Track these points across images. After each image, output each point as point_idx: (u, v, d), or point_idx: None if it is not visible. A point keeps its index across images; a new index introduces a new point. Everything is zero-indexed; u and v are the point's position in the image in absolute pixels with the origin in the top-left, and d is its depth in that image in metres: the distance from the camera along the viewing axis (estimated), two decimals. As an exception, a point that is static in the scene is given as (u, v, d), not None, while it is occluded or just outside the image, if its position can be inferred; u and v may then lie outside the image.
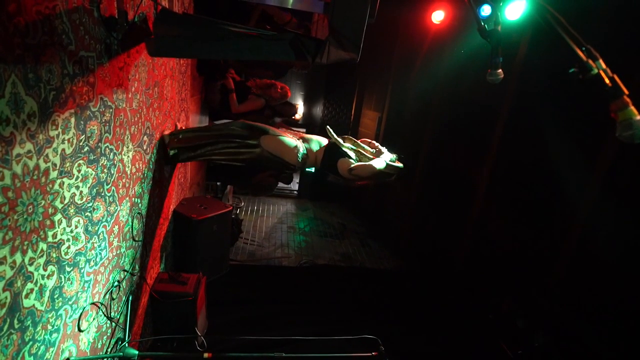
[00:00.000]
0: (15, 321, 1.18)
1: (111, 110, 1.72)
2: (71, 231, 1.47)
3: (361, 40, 1.71)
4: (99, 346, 1.86)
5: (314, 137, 2.69)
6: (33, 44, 1.14)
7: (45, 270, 1.32)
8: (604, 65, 0.98)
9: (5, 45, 1.03)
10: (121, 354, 1.71)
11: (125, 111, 1.89)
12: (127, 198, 2.04)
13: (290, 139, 2.54)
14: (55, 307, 1.41)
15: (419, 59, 4.95)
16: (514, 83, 3.45)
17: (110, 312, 1.92)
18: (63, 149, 1.35)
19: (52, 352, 1.41)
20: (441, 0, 4.34)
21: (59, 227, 1.38)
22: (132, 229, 2.16)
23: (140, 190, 2.25)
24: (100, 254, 1.76)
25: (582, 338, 2.68)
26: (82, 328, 1.64)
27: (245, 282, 3.77)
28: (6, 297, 1.13)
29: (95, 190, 1.64)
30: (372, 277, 4.39)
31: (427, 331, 3.41)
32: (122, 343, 2.01)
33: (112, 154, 1.77)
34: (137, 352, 1.70)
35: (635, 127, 0.93)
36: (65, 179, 1.38)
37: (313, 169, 2.69)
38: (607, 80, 0.97)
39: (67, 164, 1.39)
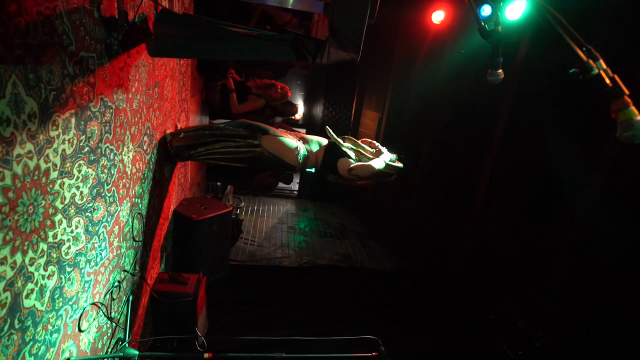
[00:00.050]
0: (16, 321, 1.19)
1: (111, 110, 1.72)
2: (71, 231, 1.47)
3: (361, 40, 1.71)
4: (100, 346, 1.86)
5: (314, 138, 2.69)
6: (33, 44, 1.14)
7: (45, 270, 1.32)
8: (604, 66, 0.98)
9: (5, 45, 1.04)
10: (121, 354, 1.71)
11: (125, 111, 1.89)
12: (128, 198, 2.04)
13: (290, 140, 2.54)
14: (56, 308, 1.41)
15: (419, 59, 4.95)
16: (514, 83, 3.45)
17: (111, 313, 1.92)
18: (63, 150, 1.35)
19: (52, 352, 1.41)
20: (441, 0, 4.34)
21: (59, 228, 1.38)
22: (132, 229, 2.16)
23: (141, 190, 2.25)
24: (100, 254, 1.76)
25: (582, 338, 2.68)
26: (82, 328, 1.64)
27: (246, 282, 3.77)
28: (7, 298, 1.13)
29: (95, 190, 1.64)
30: (372, 277, 4.39)
31: (427, 331, 3.41)
32: (122, 343, 2.01)
33: (112, 154, 1.77)
34: (137, 353, 1.70)
35: (636, 128, 0.93)
36: (65, 180, 1.38)
37: (313, 170, 2.69)
38: (607, 81, 0.97)
39: (68, 165, 1.39)
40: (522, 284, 3.26)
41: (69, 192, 1.42)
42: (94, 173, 1.60)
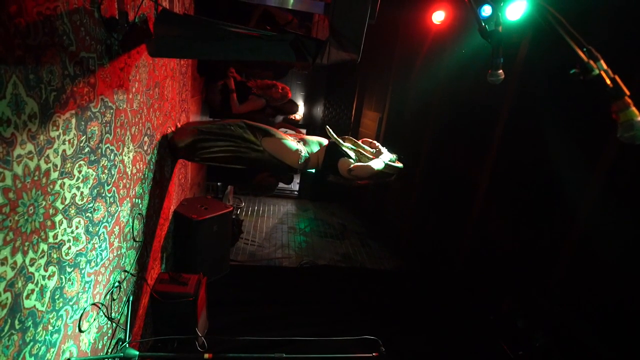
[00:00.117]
0: (16, 322, 1.19)
1: (112, 111, 1.72)
2: (72, 232, 1.47)
3: (362, 40, 1.71)
4: (100, 347, 1.86)
5: (315, 139, 2.69)
6: (34, 45, 1.14)
7: (46, 271, 1.32)
8: (605, 66, 0.98)
9: (6, 46, 1.04)
10: (122, 354, 1.71)
11: (126, 112, 1.89)
12: (128, 199, 2.04)
13: (291, 142, 2.54)
14: (56, 308, 1.41)
15: (419, 59, 4.95)
16: (515, 83, 3.45)
17: (111, 313, 1.92)
18: (64, 150, 1.35)
19: (52, 352, 1.41)
20: (441, 0, 4.34)
21: (59, 228, 1.38)
22: (132, 230, 2.16)
23: (141, 190, 2.25)
24: (101, 254, 1.76)
25: (582, 338, 2.68)
26: (82, 329, 1.64)
27: (246, 282, 3.77)
28: (7, 298, 1.13)
29: (96, 191, 1.64)
30: (373, 277, 4.39)
31: (427, 331, 3.41)
32: (122, 344, 2.01)
33: (112, 154, 1.77)
34: (137, 353, 1.71)
35: (637, 128, 0.92)
36: (66, 180, 1.38)
37: (314, 170, 2.69)
38: (608, 81, 0.96)
39: (68, 165, 1.39)
40: (522, 284, 3.26)
41: (70, 192, 1.42)
42: (94, 173, 1.60)
